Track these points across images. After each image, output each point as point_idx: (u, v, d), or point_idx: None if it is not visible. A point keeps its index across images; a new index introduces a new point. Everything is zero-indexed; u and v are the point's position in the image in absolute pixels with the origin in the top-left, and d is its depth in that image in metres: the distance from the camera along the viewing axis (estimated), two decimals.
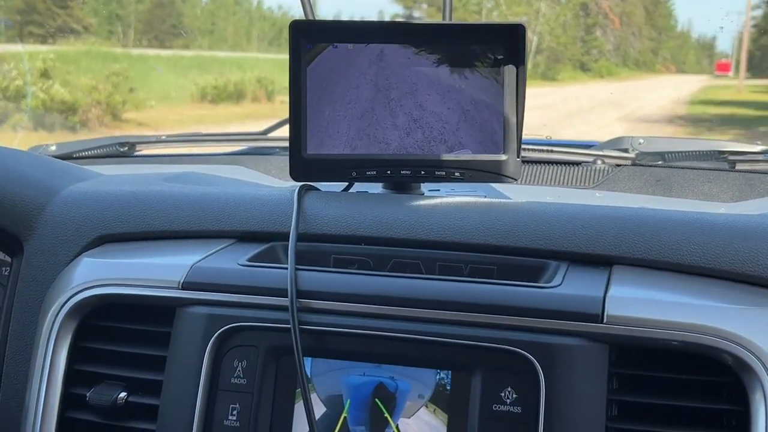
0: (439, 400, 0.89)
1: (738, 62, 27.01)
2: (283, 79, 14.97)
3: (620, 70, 33.55)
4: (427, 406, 0.89)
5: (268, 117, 12.26)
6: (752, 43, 27.99)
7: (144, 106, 12.46)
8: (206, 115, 12.82)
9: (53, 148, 1.82)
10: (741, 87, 24.38)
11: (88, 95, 11.21)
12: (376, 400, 0.90)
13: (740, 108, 17.80)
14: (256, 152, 1.83)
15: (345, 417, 0.91)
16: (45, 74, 10.40)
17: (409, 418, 0.89)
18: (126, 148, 1.83)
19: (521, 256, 0.98)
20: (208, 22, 21.50)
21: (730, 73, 28.16)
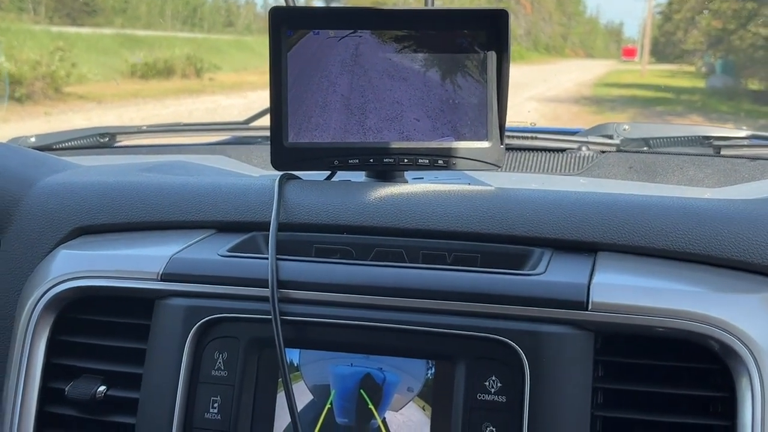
0: (424, 390, 0.88)
1: (643, 48, 27.58)
2: (209, 57, 15.51)
3: (531, 54, 34.71)
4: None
5: (199, 92, 12.94)
6: (657, 29, 28.63)
7: (86, 80, 12.93)
8: (141, 90, 13.23)
9: (33, 139, 1.80)
10: (644, 71, 25.52)
11: (32, 69, 11.66)
12: (362, 391, 0.89)
13: (641, 90, 19.05)
14: (238, 142, 1.81)
15: (329, 407, 0.89)
16: None
17: (396, 410, 0.88)
18: (107, 139, 1.81)
19: (505, 243, 0.97)
20: (121, 0, 21.40)
21: (636, 58, 28.87)
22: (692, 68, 23.81)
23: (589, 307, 0.84)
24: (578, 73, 25.11)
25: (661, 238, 0.93)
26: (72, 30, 16.70)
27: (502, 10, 1.09)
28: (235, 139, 1.84)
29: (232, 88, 13.21)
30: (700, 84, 19.95)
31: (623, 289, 0.86)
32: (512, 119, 1.68)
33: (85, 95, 12.15)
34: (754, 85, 17.70)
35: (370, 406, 0.88)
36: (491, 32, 1.10)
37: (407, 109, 1.11)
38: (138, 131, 1.85)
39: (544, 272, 0.89)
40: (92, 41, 15.88)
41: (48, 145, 1.76)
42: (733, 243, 0.91)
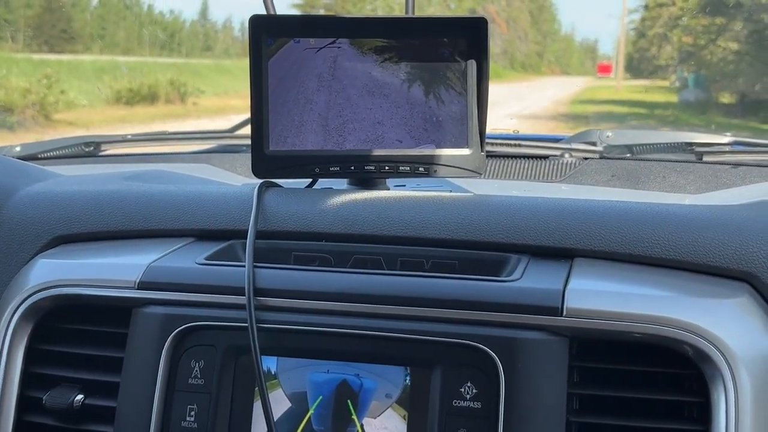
0: (402, 396, 0.88)
1: (617, 64, 27.86)
2: (193, 82, 15.54)
3: (508, 72, 35.20)
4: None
5: (184, 117, 12.96)
6: (631, 45, 28.96)
7: (75, 106, 12.99)
8: (127, 116, 13.25)
9: (18, 149, 1.80)
10: (619, 87, 25.65)
11: (22, 97, 11.71)
12: (339, 398, 0.89)
13: (616, 106, 19.15)
14: (223, 150, 1.81)
15: (308, 415, 0.89)
16: None
17: (374, 417, 0.88)
18: (92, 148, 1.81)
19: (483, 250, 0.97)
20: (99, 26, 21.47)
21: (612, 75, 29.08)
22: (666, 83, 23.92)
23: (564, 313, 0.84)
24: (554, 90, 25.19)
25: (638, 245, 0.93)
26: (52, 57, 16.68)
27: (481, 17, 1.09)
28: (220, 147, 1.83)
29: (217, 113, 13.11)
30: (673, 99, 20.15)
31: (598, 295, 0.86)
32: (495, 126, 1.68)
33: (74, 122, 12.17)
34: (725, 98, 17.81)
35: (348, 412, 0.88)
36: (471, 40, 1.10)
37: (389, 130, 1.10)
38: (123, 140, 1.84)
39: (520, 278, 0.89)
40: (72, 67, 15.85)
41: (33, 155, 1.76)
42: (709, 249, 0.91)
